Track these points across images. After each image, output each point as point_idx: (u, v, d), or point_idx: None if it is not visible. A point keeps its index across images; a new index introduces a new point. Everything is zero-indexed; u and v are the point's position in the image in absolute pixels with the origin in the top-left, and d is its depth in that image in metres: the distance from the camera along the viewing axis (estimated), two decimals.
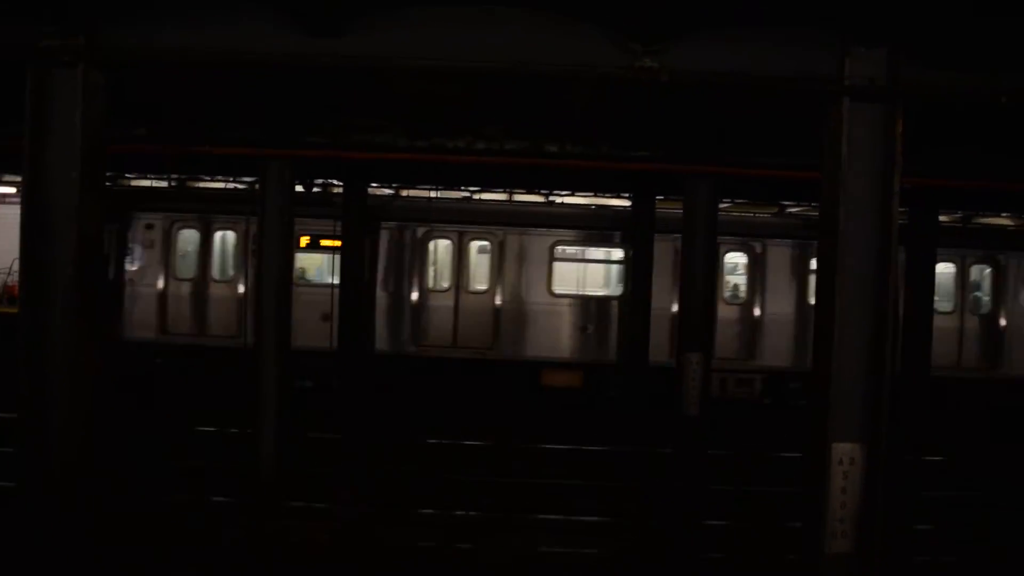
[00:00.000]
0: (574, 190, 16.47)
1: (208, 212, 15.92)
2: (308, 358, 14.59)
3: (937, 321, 15.03)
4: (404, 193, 17.38)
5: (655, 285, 14.90)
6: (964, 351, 16.05)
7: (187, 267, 15.93)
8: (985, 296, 16.44)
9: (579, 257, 16.37)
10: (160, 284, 15.74)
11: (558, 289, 15.81)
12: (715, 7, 5.83)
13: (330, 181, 15.90)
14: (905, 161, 5.99)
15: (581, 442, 12.99)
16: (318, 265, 16.38)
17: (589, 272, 16.47)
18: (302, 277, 15.75)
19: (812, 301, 13.58)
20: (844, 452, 5.90)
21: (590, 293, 16.07)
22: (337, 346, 14.84)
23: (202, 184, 17.13)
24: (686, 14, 5.83)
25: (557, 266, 15.87)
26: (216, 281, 15.85)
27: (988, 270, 16.32)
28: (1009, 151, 9.26)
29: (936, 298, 15.36)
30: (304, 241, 15.61)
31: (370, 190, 15.69)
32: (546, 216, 16.32)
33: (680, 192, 11.94)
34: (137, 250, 15.81)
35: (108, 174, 15.76)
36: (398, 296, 15.82)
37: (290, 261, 10.58)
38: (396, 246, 15.87)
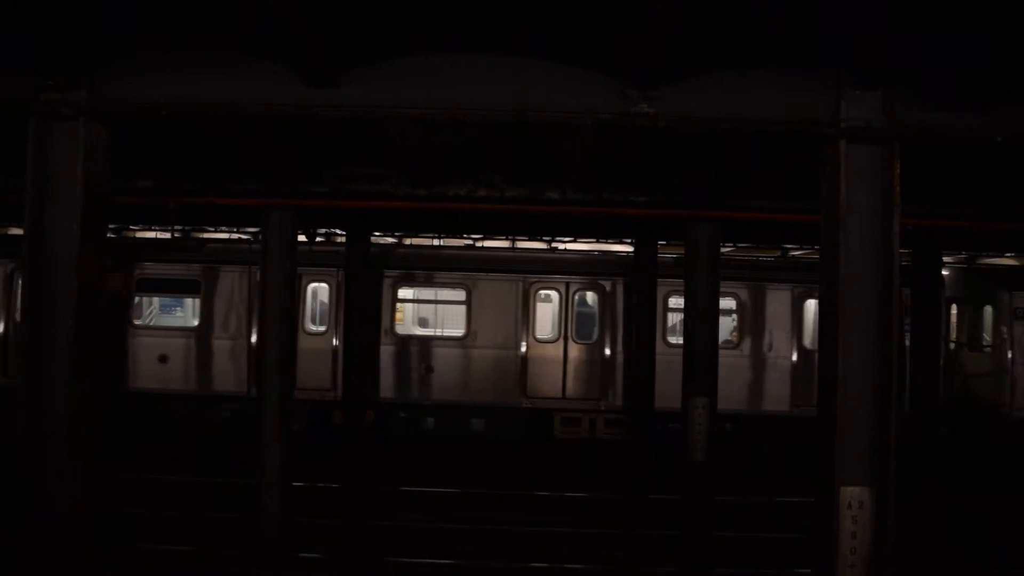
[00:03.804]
0: (576, 236, 16.52)
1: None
2: None
3: None
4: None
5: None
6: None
7: None
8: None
9: None
10: None
11: None
12: (710, 53, 5.88)
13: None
14: (907, 202, 5.99)
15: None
16: None
17: None
18: None
19: None
20: (853, 496, 5.81)
21: None
22: (343, 392, 14.86)
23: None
24: (682, 60, 5.88)
25: None
26: None
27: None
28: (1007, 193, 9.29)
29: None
30: None
31: None
32: None
33: (682, 236, 11.94)
34: None
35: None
36: None
37: (293, 309, 10.56)
38: None
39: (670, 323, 16.13)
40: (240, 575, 9.65)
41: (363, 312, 14.90)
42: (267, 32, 5.65)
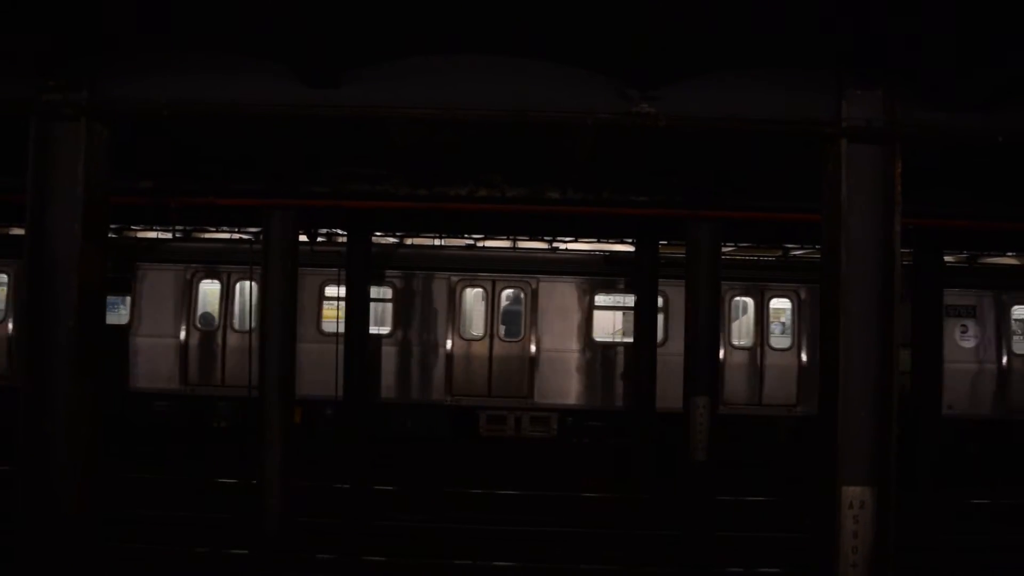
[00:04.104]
0: (577, 236, 16.51)
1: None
2: None
3: None
4: None
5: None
6: None
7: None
8: None
9: None
10: None
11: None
12: (710, 53, 5.88)
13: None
14: (908, 201, 5.99)
15: None
16: None
17: None
18: None
19: None
20: (854, 495, 5.82)
21: None
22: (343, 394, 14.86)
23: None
24: (682, 60, 5.89)
25: None
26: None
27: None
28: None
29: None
30: None
31: None
32: None
33: (682, 236, 11.94)
34: None
35: None
36: None
37: (294, 309, 10.56)
38: None
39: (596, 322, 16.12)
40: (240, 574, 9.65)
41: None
42: (267, 32, 5.66)
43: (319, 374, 14.54)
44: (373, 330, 15.95)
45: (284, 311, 10.24)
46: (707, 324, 11.25)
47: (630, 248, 16.49)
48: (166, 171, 9.26)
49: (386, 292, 15.94)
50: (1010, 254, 16.94)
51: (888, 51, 5.65)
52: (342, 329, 15.27)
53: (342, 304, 15.08)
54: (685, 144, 8.03)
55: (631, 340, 15.38)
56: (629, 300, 16.01)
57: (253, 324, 15.46)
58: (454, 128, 7.01)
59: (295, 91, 6.09)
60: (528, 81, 6.12)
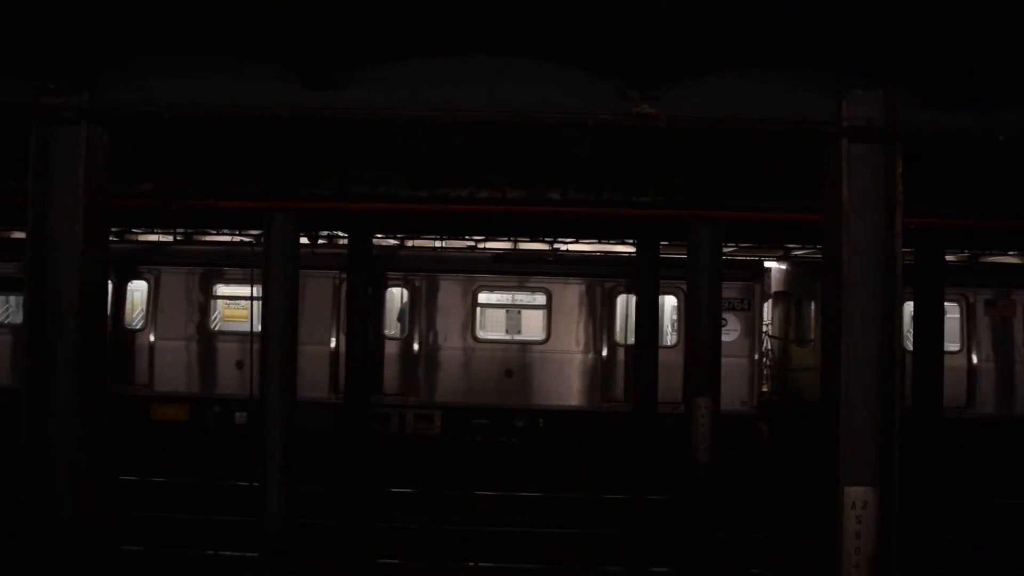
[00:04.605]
0: (578, 237, 16.52)
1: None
2: None
3: None
4: None
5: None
6: None
7: None
8: None
9: None
10: None
11: None
12: (711, 53, 5.87)
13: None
14: (909, 200, 5.98)
15: None
16: None
17: None
18: None
19: None
20: (857, 496, 5.80)
21: None
22: (344, 395, 14.85)
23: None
24: (682, 60, 5.87)
25: None
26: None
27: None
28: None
29: None
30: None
31: None
32: None
33: (683, 236, 11.95)
34: None
35: None
36: None
37: (295, 311, 10.56)
38: None
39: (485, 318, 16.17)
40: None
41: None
42: (267, 34, 5.65)
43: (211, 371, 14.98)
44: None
45: (285, 313, 10.24)
46: (708, 324, 11.27)
47: (527, 247, 16.81)
48: (166, 173, 9.27)
49: None
50: (1011, 253, 16.96)
51: (888, 51, 5.64)
52: (242, 328, 15.08)
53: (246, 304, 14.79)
54: (686, 144, 8.03)
55: (517, 337, 15.71)
56: (520, 297, 16.08)
57: (145, 322, 15.68)
58: (454, 129, 7.01)
59: (296, 93, 6.09)
60: (528, 82, 6.12)
